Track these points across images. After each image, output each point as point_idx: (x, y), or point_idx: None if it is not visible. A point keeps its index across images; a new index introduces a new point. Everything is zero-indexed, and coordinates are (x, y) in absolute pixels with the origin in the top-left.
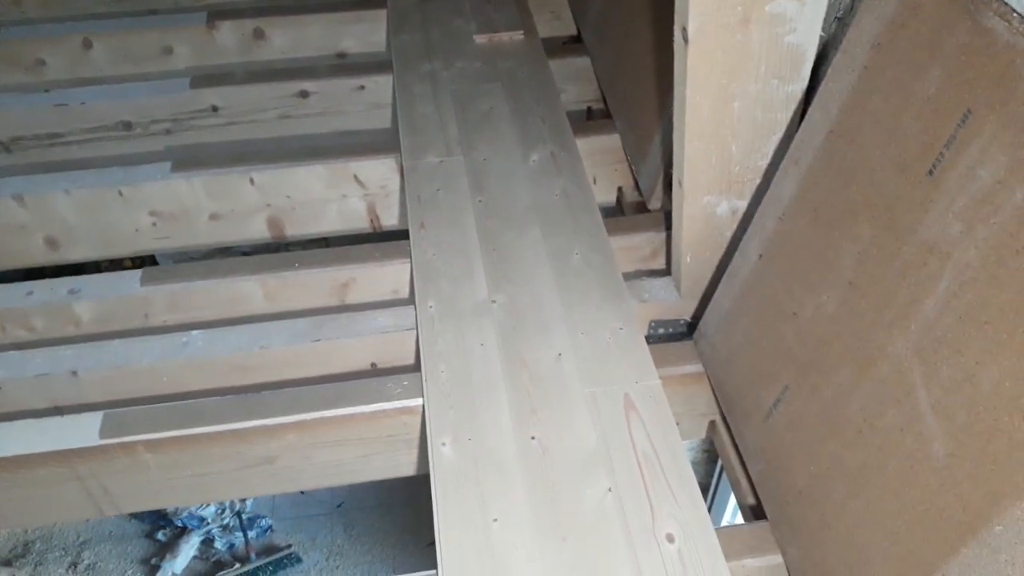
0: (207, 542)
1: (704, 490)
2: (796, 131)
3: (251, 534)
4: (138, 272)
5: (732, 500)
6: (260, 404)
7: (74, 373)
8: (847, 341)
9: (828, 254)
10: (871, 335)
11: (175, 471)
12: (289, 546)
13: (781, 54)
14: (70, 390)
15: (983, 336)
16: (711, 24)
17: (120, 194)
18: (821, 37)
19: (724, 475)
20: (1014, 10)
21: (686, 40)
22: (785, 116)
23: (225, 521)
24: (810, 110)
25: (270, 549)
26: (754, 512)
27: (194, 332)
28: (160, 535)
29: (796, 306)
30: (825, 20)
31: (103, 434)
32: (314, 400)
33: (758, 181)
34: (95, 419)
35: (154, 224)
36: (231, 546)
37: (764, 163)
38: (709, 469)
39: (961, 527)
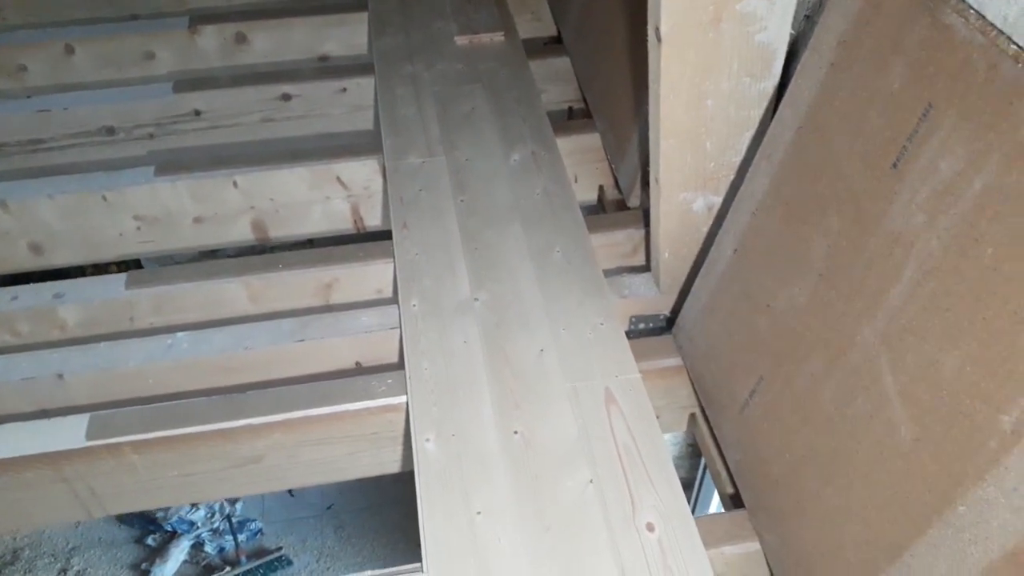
0: (197, 546)
1: (689, 484)
2: (768, 128)
3: (241, 537)
4: (123, 275)
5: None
6: (246, 404)
7: (60, 376)
8: (818, 331)
9: (799, 247)
10: (841, 325)
11: (162, 471)
12: (279, 548)
13: (752, 52)
14: (56, 393)
15: (945, 323)
16: (683, 23)
17: (104, 199)
18: (791, 35)
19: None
20: (971, 7)
21: (659, 39)
22: (757, 113)
23: (215, 525)
24: (781, 107)
25: (260, 552)
26: (734, 501)
27: (179, 334)
28: (150, 540)
29: (770, 298)
30: (795, 18)
31: (89, 436)
32: (299, 399)
33: (732, 177)
34: (81, 421)
35: (138, 228)
36: (221, 550)
37: (738, 159)
38: (694, 463)
39: (927, 509)
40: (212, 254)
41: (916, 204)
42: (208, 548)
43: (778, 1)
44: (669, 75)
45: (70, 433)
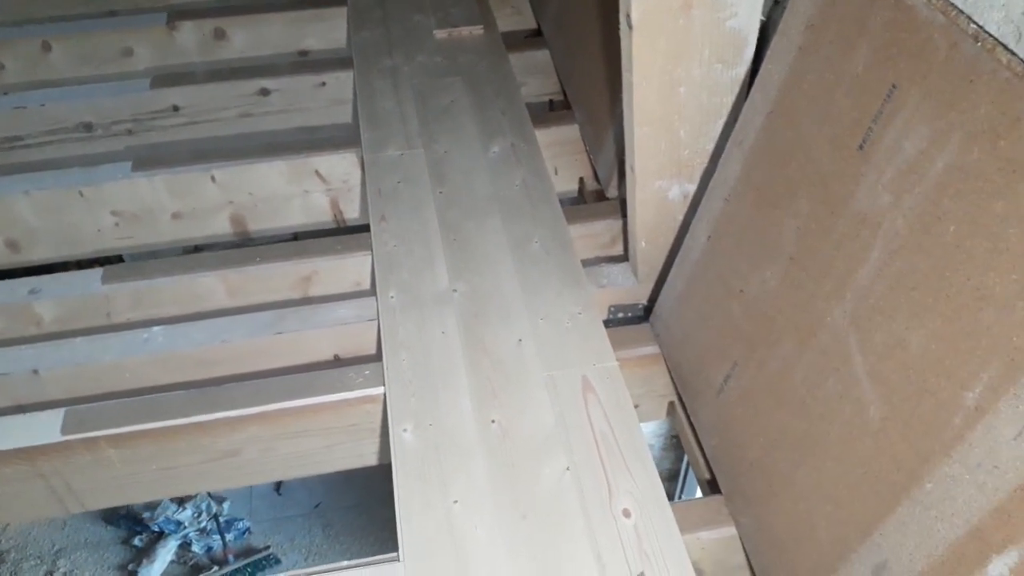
0: (184, 546)
1: (674, 475)
2: (740, 114)
3: (229, 537)
4: (99, 271)
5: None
6: (223, 396)
7: (35, 372)
8: (789, 314)
9: (771, 231)
10: (811, 307)
11: (139, 466)
12: (267, 547)
13: (723, 38)
14: (32, 389)
15: (911, 302)
16: (653, 10)
17: (81, 195)
18: (761, 21)
19: None
20: None
21: (630, 27)
22: (730, 99)
23: (202, 524)
24: (751, 92)
25: (248, 551)
26: (711, 487)
27: (155, 328)
28: (136, 541)
29: (743, 283)
30: (764, 3)
31: (65, 430)
32: (276, 391)
33: (706, 164)
34: (56, 415)
35: (116, 224)
36: (209, 549)
37: (711, 146)
38: (679, 454)
39: (896, 487)
40: (199, 250)
41: (882, 185)
42: (195, 548)
43: None
44: (641, 63)
45: (45, 428)
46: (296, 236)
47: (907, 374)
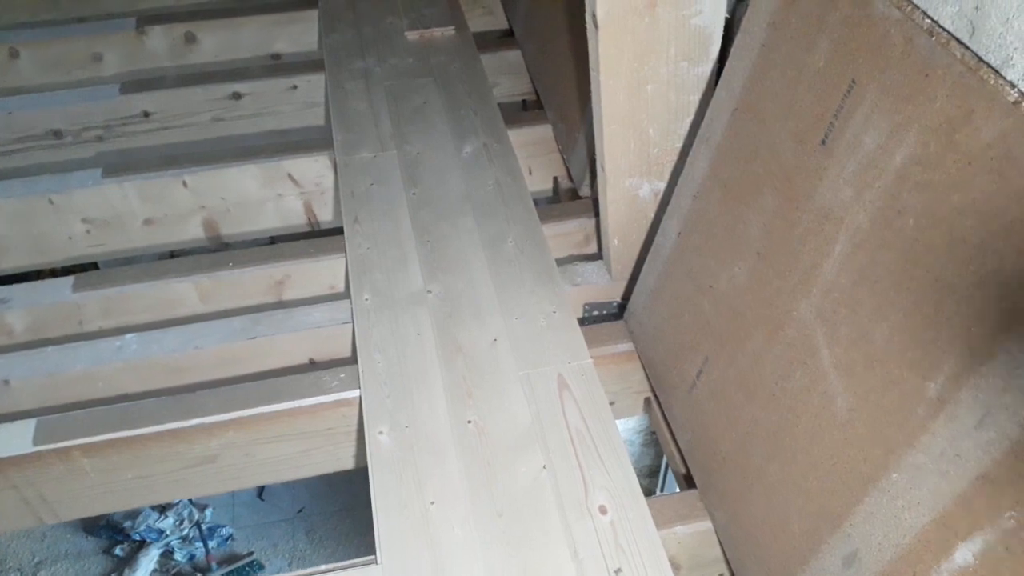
0: (167, 554)
1: (655, 471)
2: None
3: (212, 544)
4: (70, 279)
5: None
6: (197, 403)
7: (6, 382)
8: (758, 309)
9: (738, 227)
10: (778, 301)
11: (114, 475)
12: (251, 554)
13: (689, 36)
14: (2, 399)
15: (874, 295)
16: (619, 9)
17: (51, 202)
18: (726, 18)
19: None
20: None
21: (596, 26)
22: (697, 97)
23: (184, 532)
24: (717, 89)
25: (232, 558)
26: (687, 481)
27: (128, 335)
28: (118, 550)
29: (712, 279)
30: (729, 1)
31: (36, 440)
32: (251, 396)
33: (675, 162)
34: (28, 426)
35: (88, 231)
36: (192, 557)
37: (680, 144)
38: (659, 451)
39: (863, 478)
40: (173, 256)
41: (844, 179)
42: (178, 556)
43: None
44: (608, 62)
45: (16, 439)
46: (273, 240)
47: (872, 366)
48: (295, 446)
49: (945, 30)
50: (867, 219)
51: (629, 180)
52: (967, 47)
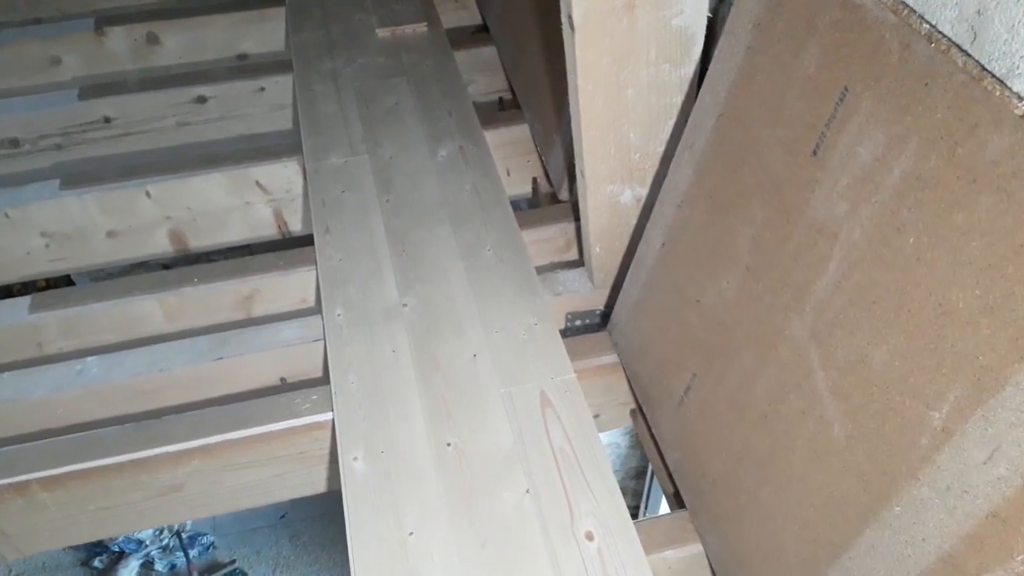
0: (147, 565)
1: (642, 472)
2: (690, 116)
3: (192, 553)
4: (27, 299)
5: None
6: (162, 430)
7: None
8: (748, 326)
9: (725, 239)
10: (770, 319)
11: (76, 507)
12: (233, 562)
13: (670, 37)
14: None
15: (872, 316)
16: (596, 10)
17: (6, 216)
18: (708, 17)
19: None
20: None
21: (573, 28)
22: (679, 100)
23: (164, 542)
24: (700, 94)
25: (214, 567)
26: (677, 498)
27: (89, 358)
28: (96, 562)
29: (699, 293)
30: (710, 0)
31: None
32: (218, 422)
33: (657, 167)
34: None
35: (47, 246)
36: (172, 567)
37: (662, 149)
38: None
39: (863, 509)
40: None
41: (838, 193)
42: (158, 566)
43: None
44: (585, 65)
45: None
46: (251, 249)
47: (871, 392)
48: (266, 471)
49: (945, 36)
50: (863, 236)
51: (610, 186)
52: (969, 55)
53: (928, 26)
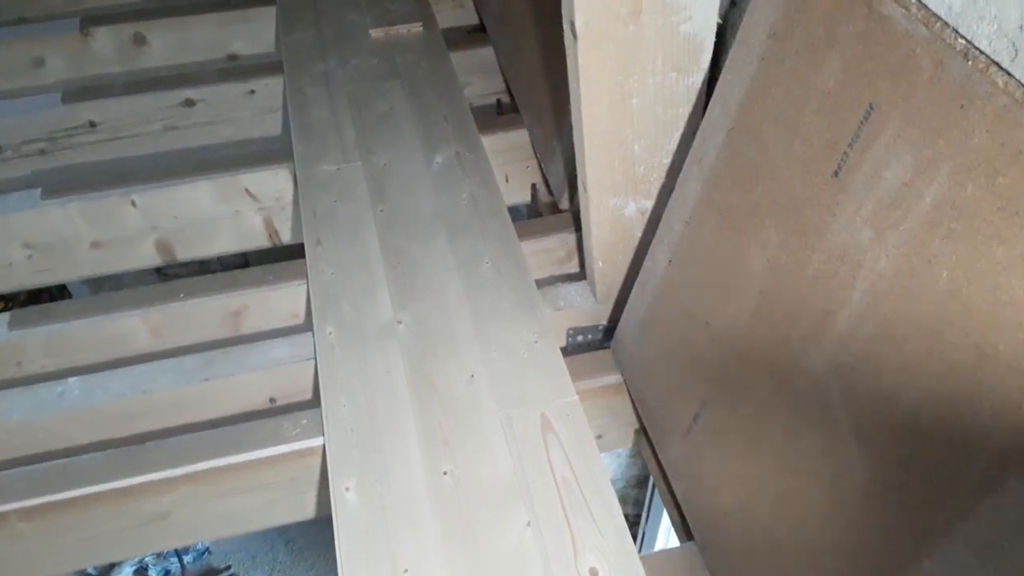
0: (140, 571)
1: (643, 480)
2: (699, 125)
3: (187, 558)
4: (6, 315)
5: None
6: (146, 457)
7: None
8: (762, 354)
9: (737, 260)
10: (786, 348)
11: (56, 538)
12: (228, 567)
13: (678, 45)
14: None
15: (901, 354)
16: (600, 17)
17: None
18: (718, 24)
19: None
20: None
21: (575, 35)
22: (687, 110)
23: None
24: (710, 105)
25: (208, 572)
26: (684, 526)
27: (71, 379)
28: (90, 568)
29: (709, 315)
30: (721, 6)
31: None
32: (204, 448)
33: (664, 180)
34: None
35: (30, 257)
36: (166, 573)
37: (668, 160)
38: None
39: (890, 560)
40: (160, 272)
41: (861, 218)
42: (152, 573)
43: None
44: (588, 74)
45: None
46: (247, 259)
47: (899, 436)
48: (255, 498)
49: (983, 53)
50: (890, 266)
51: (613, 199)
52: (1010, 74)
53: (964, 41)
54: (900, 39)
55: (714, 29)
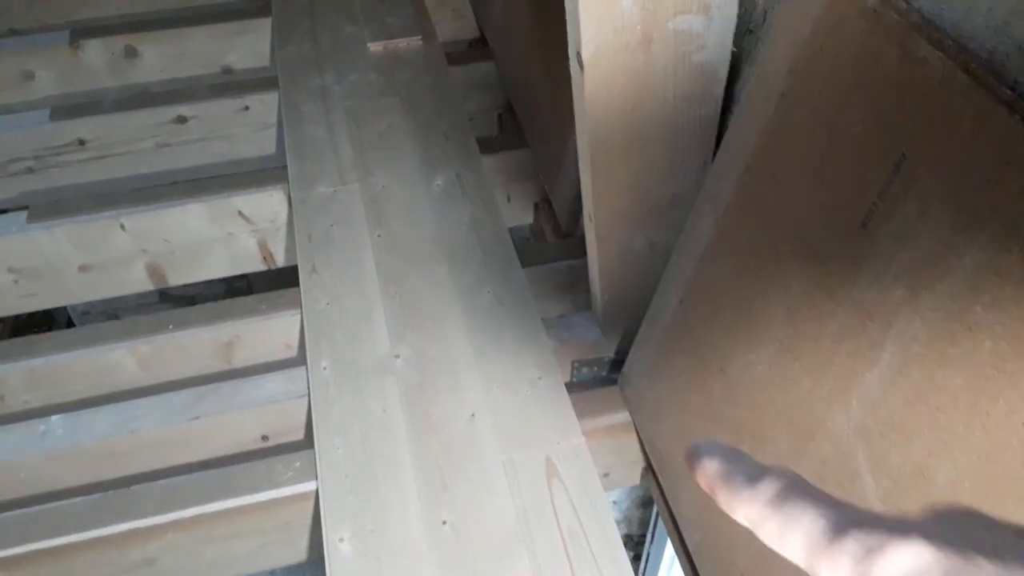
0: None
1: (648, 502)
2: (712, 156)
3: None
4: None
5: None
6: (131, 502)
7: None
8: (782, 409)
9: (754, 307)
10: (808, 406)
11: None
12: None
13: (690, 74)
14: None
15: (935, 425)
16: (608, 47)
17: None
18: (733, 52)
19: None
20: (949, 36)
21: (582, 66)
22: (699, 141)
23: None
24: (724, 141)
25: None
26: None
27: (54, 417)
28: None
29: (724, 361)
30: (736, 33)
31: None
32: (193, 493)
33: (674, 212)
34: None
35: (16, 282)
36: None
37: (679, 191)
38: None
39: None
40: (165, 294)
41: (892, 274)
42: None
43: (716, 16)
44: (596, 106)
45: None
46: (249, 281)
47: (934, 511)
48: (246, 543)
49: None
50: (924, 329)
51: (621, 231)
52: None
53: (1010, 92)
54: (937, 85)
55: (728, 58)
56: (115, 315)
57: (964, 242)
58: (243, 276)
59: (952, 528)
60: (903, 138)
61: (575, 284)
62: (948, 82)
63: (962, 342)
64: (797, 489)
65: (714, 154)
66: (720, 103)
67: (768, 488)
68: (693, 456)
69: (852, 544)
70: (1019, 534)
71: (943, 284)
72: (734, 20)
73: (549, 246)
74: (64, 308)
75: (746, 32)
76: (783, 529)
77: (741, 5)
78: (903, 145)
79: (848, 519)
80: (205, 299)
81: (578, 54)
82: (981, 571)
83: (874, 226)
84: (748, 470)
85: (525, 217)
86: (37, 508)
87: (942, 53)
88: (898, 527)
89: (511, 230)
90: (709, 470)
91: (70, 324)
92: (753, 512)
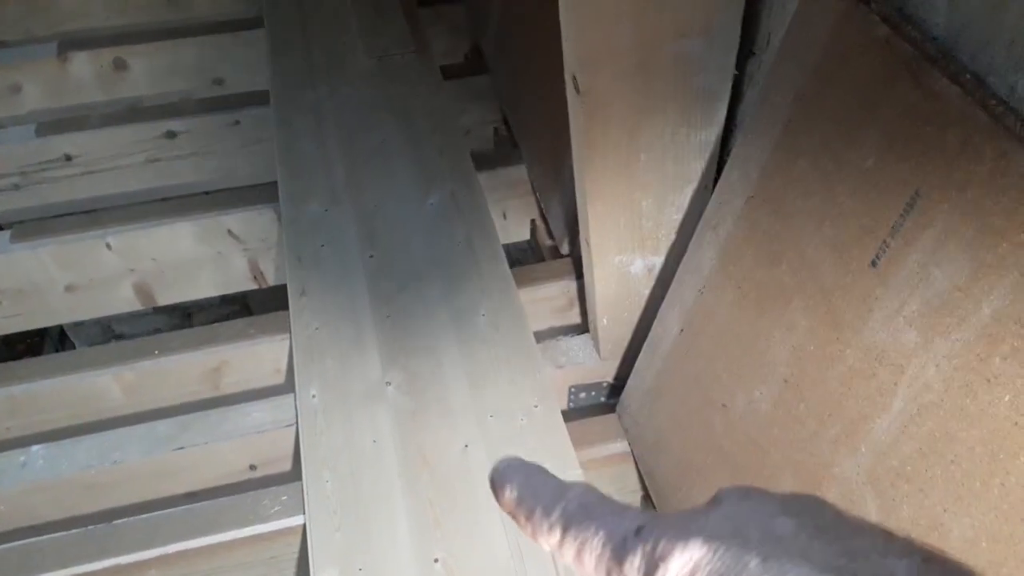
0: None
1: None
2: (712, 180)
3: None
4: None
5: None
6: (113, 538)
7: None
8: (787, 451)
9: (758, 342)
10: (814, 449)
11: None
12: None
13: (690, 98)
14: None
15: (950, 478)
16: (607, 71)
17: None
18: (734, 75)
19: None
20: (967, 70)
21: (578, 91)
22: (699, 166)
23: None
24: (726, 169)
25: None
26: None
27: (35, 448)
28: None
29: (726, 396)
30: (738, 56)
31: None
32: (177, 527)
33: (674, 237)
34: None
35: (0, 303)
36: None
37: (679, 216)
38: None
39: None
40: (175, 310)
41: (904, 318)
42: None
43: (717, 38)
44: (594, 132)
45: None
46: (247, 302)
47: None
48: None
49: None
50: (939, 378)
51: (619, 256)
52: None
53: None
54: (954, 121)
55: (730, 81)
56: (108, 326)
57: (982, 289)
58: (245, 302)
59: (728, 516)
60: (918, 174)
61: (572, 305)
62: (966, 118)
63: (981, 393)
64: (586, 509)
65: (715, 180)
66: (722, 127)
67: (559, 513)
68: (494, 483)
69: (637, 559)
70: (785, 500)
71: (959, 332)
72: (737, 43)
73: (544, 266)
74: None
75: (749, 55)
76: (578, 553)
77: (743, 27)
78: (917, 182)
79: (634, 532)
80: (200, 309)
81: (574, 78)
82: (746, 571)
83: (885, 265)
84: (549, 492)
85: (522, 234)
86: (14, 544)
87: (959, 88)
88: (682, 529)
89: (508, 247)
90: (508, 498)
91: (63, 335)
92: (553, 540)
